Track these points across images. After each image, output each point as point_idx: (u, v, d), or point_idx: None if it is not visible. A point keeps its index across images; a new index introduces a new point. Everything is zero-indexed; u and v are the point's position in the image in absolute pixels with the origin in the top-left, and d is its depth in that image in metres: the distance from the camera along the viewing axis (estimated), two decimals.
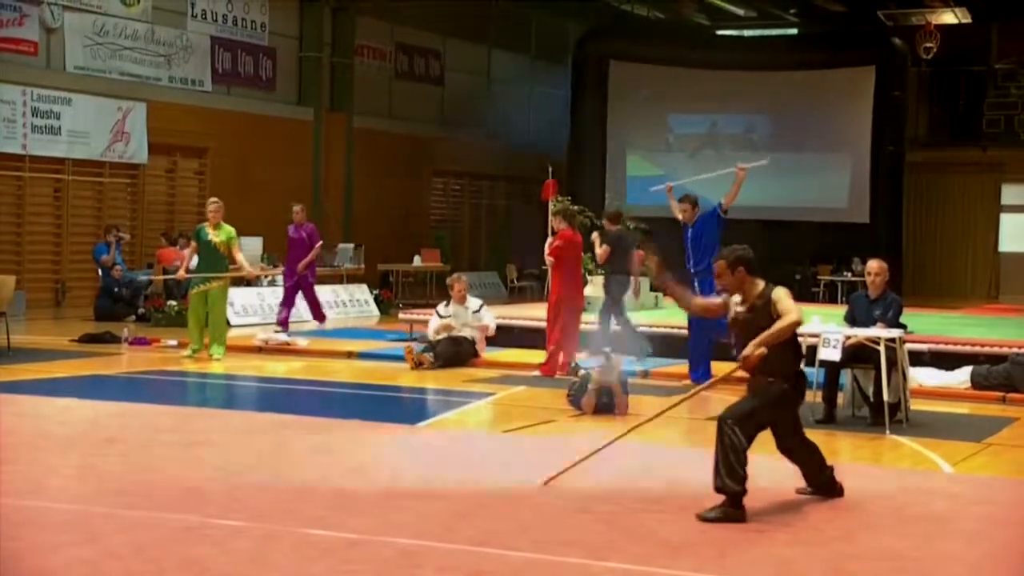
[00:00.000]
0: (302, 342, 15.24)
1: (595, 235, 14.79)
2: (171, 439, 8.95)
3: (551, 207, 15.87)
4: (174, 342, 15.11)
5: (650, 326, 14.97)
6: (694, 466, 8.38)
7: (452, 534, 6.31)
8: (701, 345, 12.43)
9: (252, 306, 19.00)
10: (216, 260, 14.37)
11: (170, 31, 23.26)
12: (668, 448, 9.34)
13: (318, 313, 17.46)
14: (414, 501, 7.07)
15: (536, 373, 13.08)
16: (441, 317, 14.07)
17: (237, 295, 18.78)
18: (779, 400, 7.16)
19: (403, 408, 11.65)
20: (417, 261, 24.80)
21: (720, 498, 6.82)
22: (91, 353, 14.42)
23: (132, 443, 8.74)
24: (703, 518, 6.73)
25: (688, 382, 12.29)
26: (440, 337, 13.83)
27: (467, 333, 13.97)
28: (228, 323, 14.73)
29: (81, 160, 21.61)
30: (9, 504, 6.66)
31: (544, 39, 31.26)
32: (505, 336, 14.97)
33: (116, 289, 18.76)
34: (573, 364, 12.71)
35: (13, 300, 15.01)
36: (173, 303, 18.24)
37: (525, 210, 28.77)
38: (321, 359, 14.51)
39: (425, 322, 14.75)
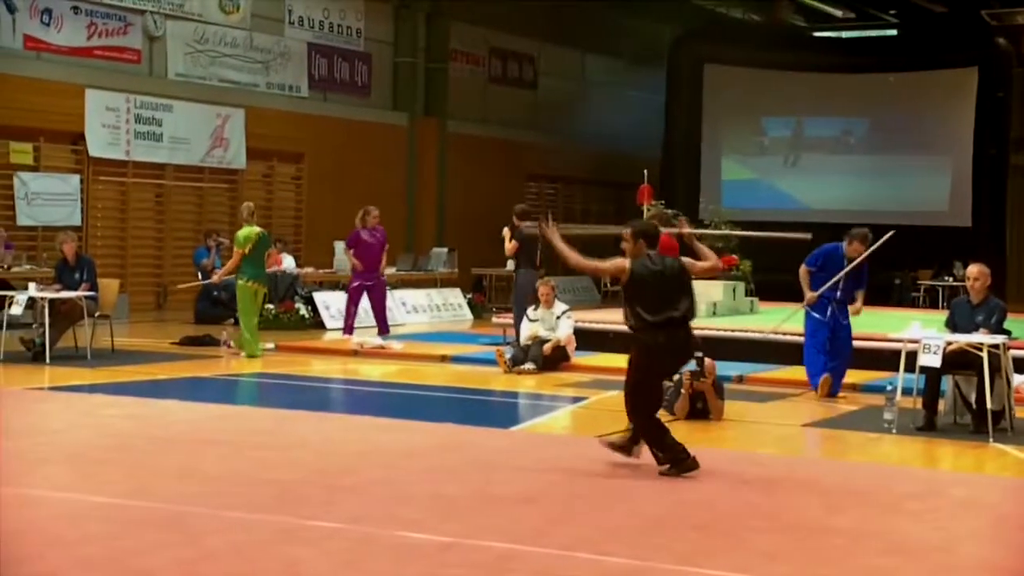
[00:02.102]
0: (396, 346, 15.35)
1: (505, 230, 15.05)
2: (268, 441, 9.07)
3: (646, 211, 15.81)
4: (271, 345, 15.31)
5: (745, 331, 14.85)
6: (789, 473, 8.29)
7: (545, 538, 6.30)
8: (816, 352, 12.11)
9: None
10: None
11: (268, 38, 23.61)
12: (762, 455, 9.23)
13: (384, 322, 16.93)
14: (508, 505, 7.08)
15: None
16: (531, 321, 14.09)
17: (333, 300, 19.00)
18: (644, 359, 8.08)
19: (496, 412, 11.68)
20: (510, 266, 24.81)
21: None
22: (191, 356, 14.68)
23: (230, 445, 8.87)
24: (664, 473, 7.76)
25: (807, 390, 12.06)
26: (531, 341, 13.83)
27: (557, 337, 13.94)
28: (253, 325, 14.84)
29: (181, 165, 22.03)
30: (113, 504, 6.79)
31: (638, 43, 31.12)
32: (598, 340, 14.93)
33: (215, 292, 19.07)
34: None
35: (117, 303, 15.32)
36: (271, 307, 18.47)
37: (620, 215, 28.67)
38: (415, 363, 14.60)
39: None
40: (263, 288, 14.93)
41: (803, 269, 11.95)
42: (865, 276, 12.05)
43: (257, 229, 14.81)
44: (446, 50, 27.09)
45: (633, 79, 31.51)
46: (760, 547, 6.30)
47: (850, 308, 11.97)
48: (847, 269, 11.74)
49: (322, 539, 6.19)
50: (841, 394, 11.91)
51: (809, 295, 11.86)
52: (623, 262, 8.12)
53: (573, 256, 8.36)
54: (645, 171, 18.11)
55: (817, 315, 11.89)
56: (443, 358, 14.78)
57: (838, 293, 11.84)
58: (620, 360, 13.58)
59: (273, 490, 7.31)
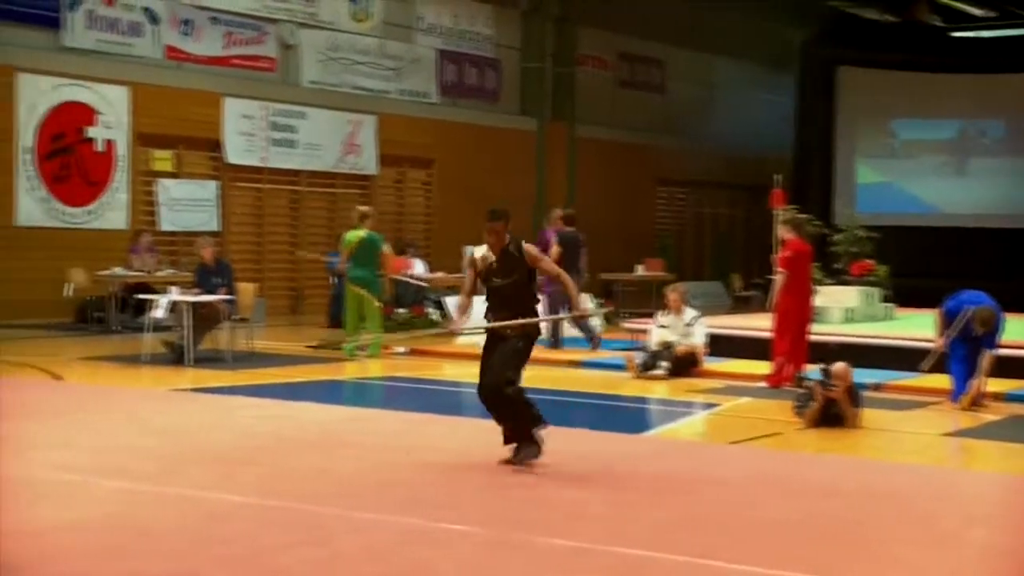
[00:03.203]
0: None
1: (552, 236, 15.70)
2: (399, 443, 9.16)
3: (779, 216, 15.59)
4: (402, 349, 15.47)
5: (883, 338, 14.57)
6: (925, 483, 8.10)
7: (677, 545, 6.25)
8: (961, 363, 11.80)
9: (478, 315, 19.23)
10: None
11: (398, 45, 23.90)
12: (897, 464, 9.03)
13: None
14: (639, 511, 7.04)
15: (762, 384, 12.85)
16: (660, 327, 14.01)
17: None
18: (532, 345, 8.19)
19: (626, 417, 11.62)
20: (640, 270, 24.71)
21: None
22: (325, 359, 14.92)
23: (363, 447, 8.99)
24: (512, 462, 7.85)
25: (948, 399, 11.76)
26: (660, 347, 13.75)
27: (687, 343, 13.84)
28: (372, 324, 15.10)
29: (315, 171, 22.44)
30: (250, 504, 6.94)
31: (768, 45, 30.74)
32: (729, 346, 14.78)
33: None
34: (798, 376, 12.44)
35: (254, 307, 15.66)
36: (403, 310, 18.67)
37: (750, 219, 28.37)
38: (544, 367, 14.58)
39: (647, 331, 14.69)
40: (366, 290, 15.01)
41: (939, 313, 11.64)
42: (993, 343, 11.49)
43: (361, 232, 14.96)
44: (574, 54, 27.11)
45: (763, 82, 31.13)
46: (895, 558, 6.16)
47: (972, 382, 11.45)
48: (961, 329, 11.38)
49: (452, 541, 6.23)
50: (984, 403, 11.57)
51: (938, 342, 11.57)
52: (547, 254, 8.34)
53: (460, 319, 8.43)
54: (777, 175, 17.82)
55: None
56: (572, 363, 14.76)
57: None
58: (752, 366, 13.52)
59: (404, 492, 7.38)
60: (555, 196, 26.36)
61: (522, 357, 8.10)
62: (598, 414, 11.61)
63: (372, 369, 14.13)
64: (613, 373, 13.90)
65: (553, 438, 9.56)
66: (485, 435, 9.78)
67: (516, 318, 8.04)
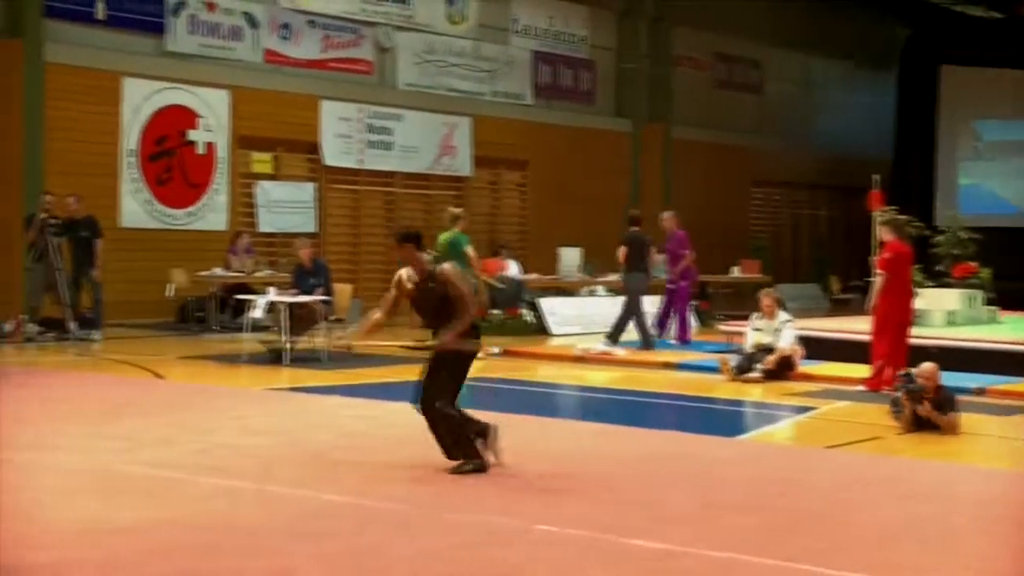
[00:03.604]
0: (620, 352, 15.35)
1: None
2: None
3: (878, 218, 15.35)
4: (497, 350, 15.52)
5: (986, 341, 14.29)
6: None
7: (766, 549, 6.19)
8: None
9: (573, 316, 19.28)
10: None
11: (494, 47, 23.98)
12: (1005, 471, 8.84)
13: (682, 330, 17.19)
14: (730, 514, 6.98)
15: (861, 388, 12.66)
16: (754, 330, 13.89)
17: (558, 306, 19.16)
18: (462, 362, 8.04)
19: (720, 420, 11.53)
20: (736, 272, 24.51)
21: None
22: (420, 360, 14.98)
23: None
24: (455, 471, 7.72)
25: None
26: (755, 350, 13.62)
27: (780, 348, 13.68)
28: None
29: (410, 173, 22.61)
30: (346, 502, 7.01)
31: (867, 45, 30.30)
32: (826, 349, 14.59)
33: None
34: (898, 378, 12.22)
35: (350, 307, 15.82)
36: (498, 312, 18.73)
37: (848, 220, 27.97)
38: (639, 369, 14.57)
39: (743, 334, 14.56)
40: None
41: None
42: None
43: (448, 234, 15.03)
44: (670, 55, 26.98)
45: (862, 81, 30.69)
46: (990, 564, 6.04)
47: None
48: None
49: (541, 542, 6.24)
50: None
51: None
52: (403, 272, 8.04)
53: (375, 326, 8.37)
54: (875, 176, 17.56)
55: None
56: (667, 365, 14.70)
57: None
58: (851, 369, 13.32)
59: (495, 493, 7.41)
60: (650, 198, 26.24)
61: (450, 375, 8.04)
62: (691, 416, 11.54)
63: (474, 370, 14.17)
64: (707, 375, 13.80)
65: (645, 440, 9.53)
66: (577, 436, 9.79)
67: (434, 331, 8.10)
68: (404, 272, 8.11)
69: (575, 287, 20.79)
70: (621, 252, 16.07)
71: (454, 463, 7.91)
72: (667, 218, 17.52)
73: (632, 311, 15.91)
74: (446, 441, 7.97)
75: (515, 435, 9.67)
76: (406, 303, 8.27)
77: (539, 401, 12.48)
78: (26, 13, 17.55)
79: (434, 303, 8.07)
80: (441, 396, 7.99)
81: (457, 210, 15.71)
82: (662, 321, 17.15)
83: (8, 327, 15.95)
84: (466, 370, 8.16)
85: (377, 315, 8.38)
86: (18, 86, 17.53)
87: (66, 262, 16.39)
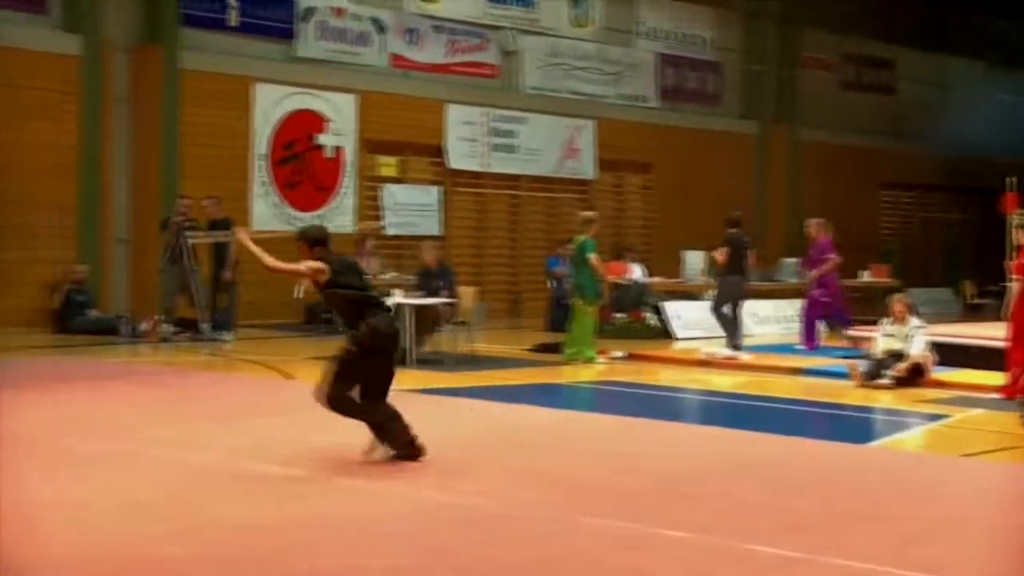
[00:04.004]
0: (745, 357, 15.17)
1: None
2: (614, 448, 9.16)
3: (1013, 220, 14.92)
4: (620, 353, 15.47)
5: None
6: None
7: (899, 559, 6.04)
8: None
9: (696, 320, 19.11)
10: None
11: (618, 49, 23.93)
12: None
13: (809, 334, 17.03)
14: (860, 523, 6.84)
15: (996, 395, 12.31)
16: (885, 336, 13.60)
17: (682, 309, 19.01)
18: (372, 340, 8.05)
19: (850, 427, 11.32)
20: (865, 276, 24.04)
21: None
22: (544, 362, 15.04)
23: (577, 450, 9.01)
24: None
25: None
26: (885, 356, 13.34)
27: (910, 355, 13.37)
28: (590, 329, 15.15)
29: (534, 176, 22.66)
30: (470, 504, 7.05)
31: (1004, 44, 29.48)
32: (959, 356, 14.21)
33: (567, 301, 19.40)
34: None
35: (475, 310, 15.91)
36: (622, 315, 18.66)
37: (981, 223, 27.25)
38: (765, 374, 14.37)
39: (871, 339, 14.27)
40: (580, 294, 15.06)
41: None
42: None
43: (580, 238, 15.01)
44: (798, 56, 26.59)
45: (996, 81, 29.87)
46: None
47: None
48: None
49: (666, 548, 6.19)
50: None
51: None
52: (315, 262, 8.16)
53: (267, 259, 8.39)
54: (1010, 178, 17.07)
55: None
56: (794, 370, 14.48)
57: None
58: (985, 376, 12.95)
59: (618, 497, 7.37)
60: (776, 201, 25.93)
61: (343, 367, 8.10)
62: (819, 422, 11.35)
63: (589, 373, 14.18)
64: (836, 381, 13.56)
65: (771, 445, 9.40)
66: (701, 440, 9.70)
67: (348, 329, 8.24)
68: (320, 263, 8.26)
69: (699, 290, 20.59)
70: (720, 254, 16.10)
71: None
72: (813, 225, 17.36)
73: (717, 309, 16.14)
74: (370, 424, 8.16)
75: (638, 439, 9.63)
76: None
77: (662, 405, 12.39)
78: (164, 21, 18.05)
79: (333, 302, 8.39)
80: (333, 387, 8.12)
81: (588, 213, 15.69)
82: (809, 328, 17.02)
83: (144, 327, 16.41)
84: (366, 366, 8.16)
85: (273, 261, 8.52)
86: (156, 92, 18.02)
87: (202, 264, 16.78)
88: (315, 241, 8.29)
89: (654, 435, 9.87)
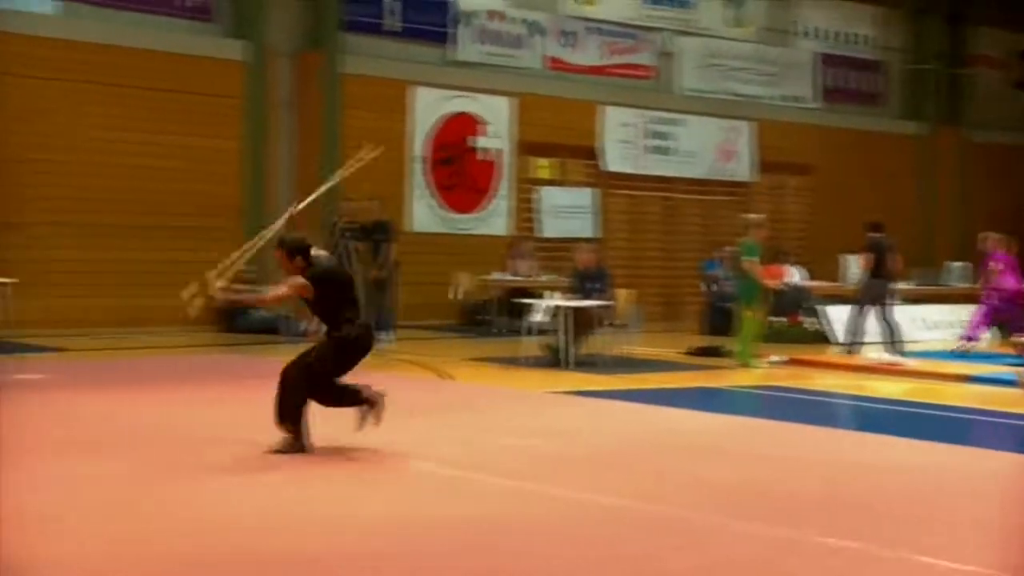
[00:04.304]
0: (910, 363, 14.76)
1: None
2: (774, 453, 8.98)
3: None
4: (779, 358, 15.20)
5: None
6: None
7: None
8: None
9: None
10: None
11: (777, 50, 23.57)
12: None
13: (976, 329, 16.95)
14: None
15: None
16: None
17: (843, 313, 18.56)
18: (340, 352, 8.31)
19: (1018, 436, 10.89)
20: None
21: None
22: (700, 366, 14.87)
23: (736, 455, 8.86)
24: (274, 451, 8.00)
25: None
26: None
27: None
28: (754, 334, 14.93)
29: (690, 179, 22.46)
30: (622, 506, 6.98)
31: None
32: None
33: (723, 304, 19.20)
34: None
35: (630, 312, 15.83)
36: (780, 319, 18.33)
37: None
38: (930, 381, 13.95)
39: None
40: (742, 298, 14.85)
41: None
42: None
43: (743, 241, 14.79)
44: (967, 55, 25.78)
45: None
46: None
47: None
48: None
49: (825, 556, 6.02)
50: None
51: None
52: (297, 279, 8.18)
53: (251, 298, 8.53)
54: None
55: None
56: (960, 377, 14.02)
57: None
58: None
59: (778, 503, 7.22)
60: (942, 202, 25.18)
61: (313, 366, 8.30)
62: (989, 433, 10.95)
63: (748, 377, 13.95)
64: (1003, 389, 13.08)
65: (941, 455, 9.10)
66: (863, 447, 9.44)
67: (323, 333, 8.49)
68: (300, 278, 8.33)
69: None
70: (864, 258, 15.97)
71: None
72: (990, 240, 16.93)
73: (856, 312, 15.99)
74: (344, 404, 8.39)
75: (797, 444, 9.43)
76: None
77: (822, 411, 12.13)
78: (326, 27, 18.41)
79: (316, 311, 8.49)
80: (297, 390, 8.25)
81: (753, 216, 15.43)
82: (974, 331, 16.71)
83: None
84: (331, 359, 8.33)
85: (262, 297, 8.93)
86: (317, 97, 18.39)
87: (363, 265, 17.04)
88: (295, 251, 8.31)
89: (814, 441, 9.66)
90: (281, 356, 14.95)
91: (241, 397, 10.98)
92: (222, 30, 17.85)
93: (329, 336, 8.41)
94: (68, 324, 15.75)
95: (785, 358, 15.17)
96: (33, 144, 15.89)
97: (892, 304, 15.94)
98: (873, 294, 15.82)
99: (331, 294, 8.33)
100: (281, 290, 8.42)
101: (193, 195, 17.23)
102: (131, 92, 16.66)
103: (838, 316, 18.60)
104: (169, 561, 5.63)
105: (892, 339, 15.47)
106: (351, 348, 8.39)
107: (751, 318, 14.73)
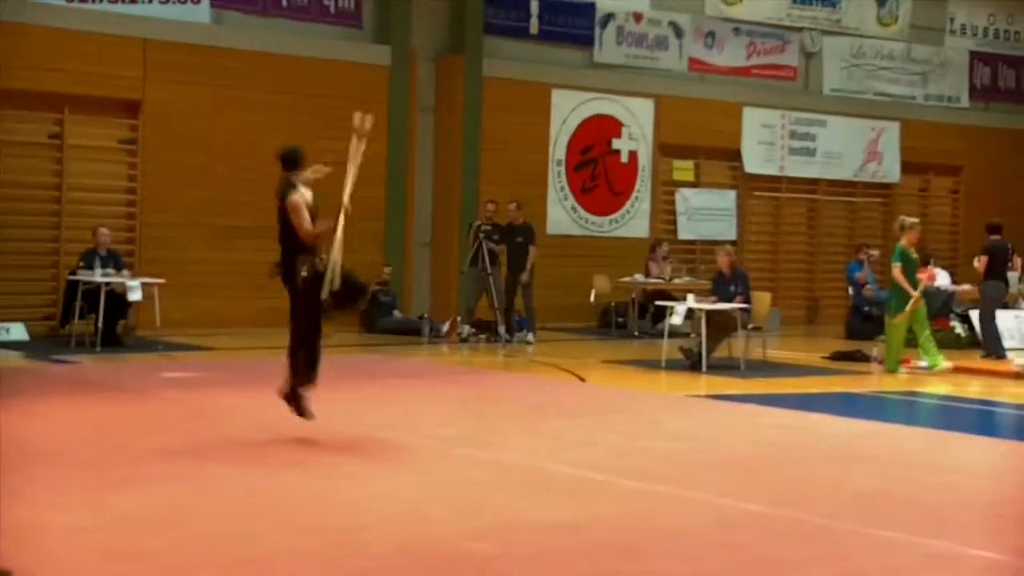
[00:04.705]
0: None
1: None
2: (921, 461, 8.80)
3: None
4: (924, 363, 14.85)
5: None
6: None
7: None
8: None
9: (1010, 330, 18.12)
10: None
11: (926, 48, 23.05)
12: None
13: None
14: None
15: None
16: None
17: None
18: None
19: None
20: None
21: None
22: (842, 371, 14.63)
23: (881, 462, 8.70)
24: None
25: None
26: None
27: None
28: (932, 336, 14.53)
29: (833, 180, 22.09)
30: (762, 512, 6.92)
31: None
32: None
33: (867, 308, 18.86)
34: None
35: (769, 316, 15.64)
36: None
37: None
38: None
39: None
40: (892, 303, 14.53)
41: None
42: None
43: (899, 244, 14.46)
44: None
45: None
46: None
47: None
48: None
49: (983, 571, 5.88)
50: None
51: None
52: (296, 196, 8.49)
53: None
54: None
55: None
56: None
57: None
58: None
59: (926, 513, 7.06)
60: None
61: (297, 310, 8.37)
62: None
63: (892, 383, 13.68)
64: None
65: None
66: (1016, 457, 9.18)
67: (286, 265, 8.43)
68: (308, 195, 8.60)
69: (1012, 299, 19.52)
70: (982, 261, 15.77)
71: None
72: None
73: (984, 319, 15.83)
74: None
75: (945, 453, 9.21)
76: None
77: (973, 419, 11.82)
78: (468, 31, 18.60)
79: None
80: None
81: (906, 219, 14.98)
82: None
83: (445, 328, 16.95)
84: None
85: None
86: (459, 100, 18.60)
87: (503, 267, 17.18)
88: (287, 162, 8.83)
89: (965, 450, 9.42)
90: (420, 357, 15.28)
91: (380, 396, 11.19)
92: (368, 36, 18.17)
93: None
94: (208, 324, 16.20)
95: (950, 365, 14.62)
96: (181, 148, 16.38)
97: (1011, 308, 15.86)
98: (994, 295, 15.77)
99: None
100: (302, 211, 8.65)
101: (340, 198, 17.52)
102: (279, 98, 17.07)
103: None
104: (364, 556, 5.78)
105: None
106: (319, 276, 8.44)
107: (894, 324, 14.40)
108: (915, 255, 14.62)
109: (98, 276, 14.37)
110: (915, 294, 14.20)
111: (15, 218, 15.39)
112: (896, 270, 14.30)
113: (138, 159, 16.28)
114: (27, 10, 15.26)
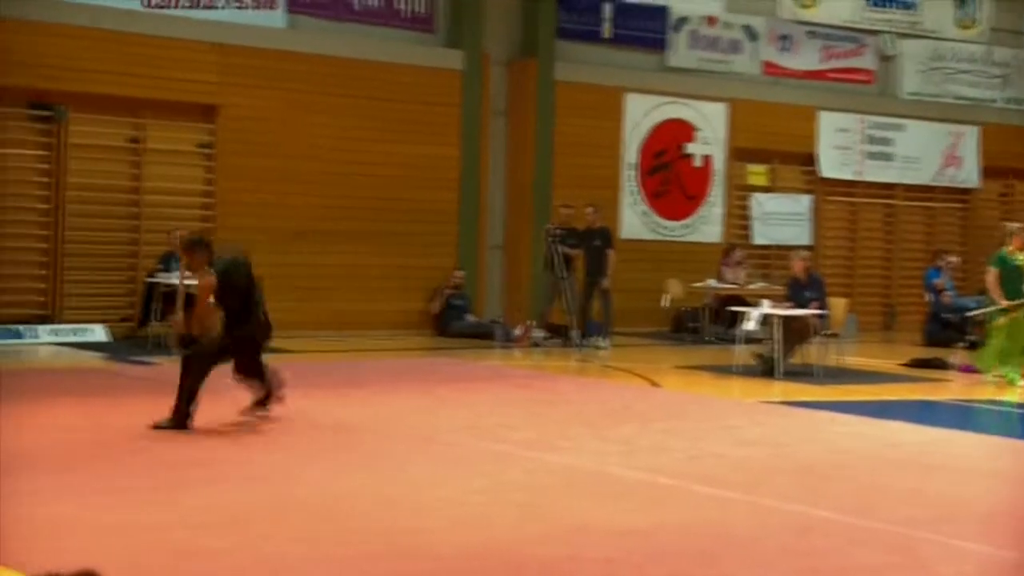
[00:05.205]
0: None
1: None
2: (1002, 470, 8.64)
3: None
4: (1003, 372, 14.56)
5: None
6: None
7: None
8: None
9: None
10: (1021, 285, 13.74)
11: (1007, 51, 22.66)
12: None
13: None
14: None
15: None
16: None
17: None
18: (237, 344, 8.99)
19: None
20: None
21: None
22: (920, 378, 14.40)
23: (961, 472, 8.56)
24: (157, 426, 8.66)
25: None
26: None
27: None
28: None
29: (911, 185, 21.79)
30: (837, 520, 6.83)
31: None
32: None
33: (945, 315, 18.55)
34: None
35: (845, 322, 15.44)
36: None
37: None
38: None
39: None
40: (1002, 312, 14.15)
41: None
42: None
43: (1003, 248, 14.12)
44: None
45: None
46: None
47: None
48: None
49: None
50: None
51: None
52: (205, 277, 8.82)
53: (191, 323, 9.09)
54: None
55: None
56: None
57: None
58: None
59: (1004, 524, 6.93)
60: None
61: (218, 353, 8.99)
62: None
63: (969, 391, 13.42)
64: None
65: None
66: None
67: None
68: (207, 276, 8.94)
69: None
70: (991, 275, 14.25)
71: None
72: None
73: None
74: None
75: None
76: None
77: None
78: (540, 35, 18.59)
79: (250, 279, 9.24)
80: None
81: (1013, 225, 14.55)
82: None
83: (517, 332, 16.94)
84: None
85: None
86: (531, 104, 18.59)
87: (579, 272, 17.13)
88: (194, 247, 9.12)
89: None
90: (493, 361, 15.28)
91: (451, 400, 11.20)
92: (441, 40, 18.22)
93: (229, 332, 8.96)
94: (281, 326, 16.24)
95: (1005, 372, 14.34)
96: (256, 152, 16.54)
97: None
98: None
99: (230, 294, 8.95)
100: (202, 295, 9.07)
101: (413, 202, 17.63)
102: (353, 102, 17.17)
103: None
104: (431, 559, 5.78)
105: None
106: (248, 345, 9.11)
107: (994, 330, 14.06)
108: (1019, 262, 14.07)
109: (175, 278, 14.53)
110: (1004, 303, 13.81)
111: (95, 221, 15.64)
112: (990, 275, 13.97)
113: (215, 163, 16.47)
114: (106, 16, 15.50)
